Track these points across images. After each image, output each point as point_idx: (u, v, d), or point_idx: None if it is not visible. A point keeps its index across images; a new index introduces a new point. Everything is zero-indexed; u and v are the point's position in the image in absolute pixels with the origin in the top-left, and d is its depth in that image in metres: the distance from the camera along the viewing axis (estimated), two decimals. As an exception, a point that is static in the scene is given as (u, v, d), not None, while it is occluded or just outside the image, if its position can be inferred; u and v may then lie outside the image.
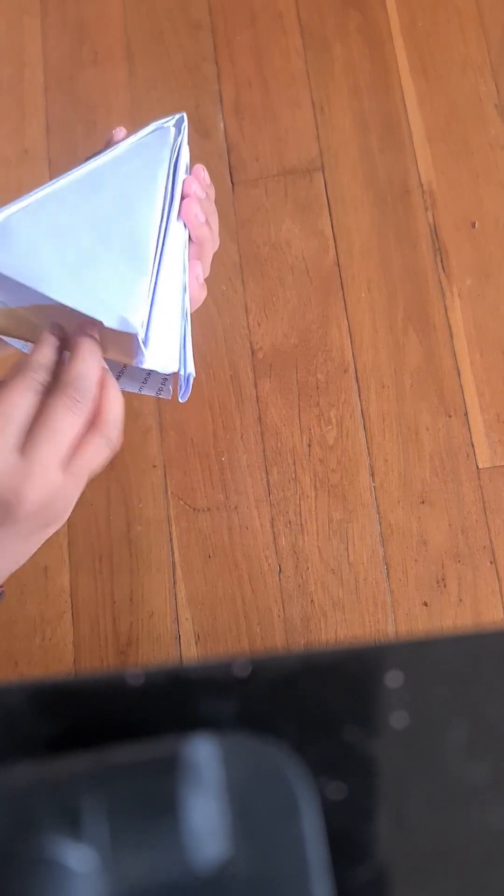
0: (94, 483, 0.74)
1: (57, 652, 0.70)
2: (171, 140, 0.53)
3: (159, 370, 0.47)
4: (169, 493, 0.74)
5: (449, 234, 0.78)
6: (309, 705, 0.25)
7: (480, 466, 0.72)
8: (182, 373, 0.48)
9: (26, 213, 0.50)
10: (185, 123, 0.53)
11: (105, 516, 0.73)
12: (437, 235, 0.78)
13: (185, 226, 0.51)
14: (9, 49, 0.89)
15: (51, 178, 0.93)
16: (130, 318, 0.45)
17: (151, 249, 0.49)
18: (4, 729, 0.25)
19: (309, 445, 0.74)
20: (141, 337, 0.45)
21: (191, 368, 0.49)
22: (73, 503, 0.36)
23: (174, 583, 0.71)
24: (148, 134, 0.53)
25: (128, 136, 0.53)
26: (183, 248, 0.51)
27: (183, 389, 0.49)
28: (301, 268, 0.78)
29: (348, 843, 0.24)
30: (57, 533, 0.73)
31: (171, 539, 0.72)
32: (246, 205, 0.81)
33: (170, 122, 0.53)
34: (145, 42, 0.87)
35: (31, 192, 0.51)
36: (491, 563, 0.69)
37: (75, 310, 0.46)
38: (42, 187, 0.51)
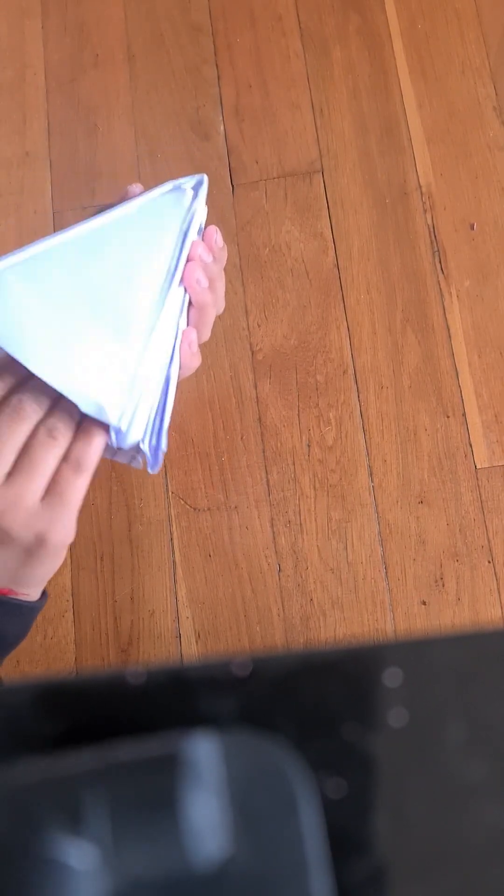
0: (96, 483, 0.74)
1: (58, 650, 0.70)
2: (187, 204, 0.50)
3: (132, 442, 0.46)
4: (170, 492, 0.74)
5: (448, 235, 0.78)
6: (308, 703, 0.26)
7: (478, 466, 0.72)
8: (150, 445, 0.47)
9: (23, 270, 0.48)
10: (205, 186, 0.51)
11: (106, 516, 0.73)
12: (435, 237, 0.78)
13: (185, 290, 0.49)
14: (10, 51, 0.89)
15: (51, 180, 0.94)
16: (107, 408, 0.45)
17: (144, 329, 0.47)
18: (5, 727, 0.25)
19: (308, 446, 0.74)
20: (114, 425, 0.45)
21: (164, 444, 0.47)
22: (63, 530, 0.41)
23: (175, 582, 0.71)
24: (163, 194, 0.50)
25: (144, 192, 0.50)
26: (179, 316, 0.49)
27: (151, 461, 0.47)
28: (301, 270, 0.78)
29: (348, 840, 0.24)
30: (57, 533, 0.73)
31: (171, 538, 0.73)
32: (246, 207, 0.81)
33: (188, 182, 0.51)
34: (146, 44, 0.88)
35: (33, 244, 0.49)
36: (489, 562, 0.69)
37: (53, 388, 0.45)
38: (45, 239, 0.49)
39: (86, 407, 0.44)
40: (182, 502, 0.73)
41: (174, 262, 0.49)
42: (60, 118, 0.86)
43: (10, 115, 0.87)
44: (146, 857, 0.21)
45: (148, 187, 0.48)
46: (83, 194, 0.83)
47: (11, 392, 0.43)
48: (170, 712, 0.25)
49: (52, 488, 0.41)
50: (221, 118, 0.84)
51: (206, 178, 0.51)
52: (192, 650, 0.69)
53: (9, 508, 0.39)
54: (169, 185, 0.51)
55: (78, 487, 0.41)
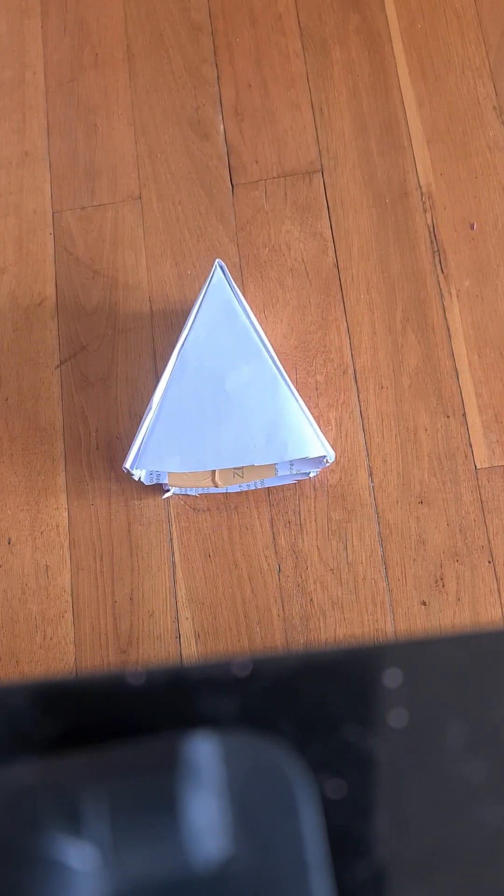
0: (95, 484, 0.74)
1: (58, 651, 0.70)
2: (225, 284, 0.67)
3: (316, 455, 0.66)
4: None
5: (447, 235, 0.78)
6: (308, 704, 0.26)
7: (478, 466, 0.72)
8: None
9: (167, 427, 0.65)
10: (222, 266, 0.67)
11: (106, 516, 0.73)
12: (435, 237, 0.78)
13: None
14: (9, 51, 0.89)
15: (51, 179, 0.93)
16: (315, 453, 0.65)
17: (277, 375, 0.66)
18: (6, 728, 0.25)
19: (308, 446, 0.74)
20: (325, 455, 0.66)
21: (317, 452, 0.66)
22: None
23: (174, 582, 0.71)
24: (204, 298, 0.66)
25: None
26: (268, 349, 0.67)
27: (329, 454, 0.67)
28: (300, 269, 0.78)
29: (348, 841, 0.24)
30: (58, 532, 0.73)
31: (171, 539, 0.73)
32: (246, 207, 0.81)
33: (211, 275, 0.67)
34: (146, 44, 0.87)
35: (143, 419, 0.66)
36: (489, 562, 0.69)
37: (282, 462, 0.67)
38: (153, 402, 0.66)
39: (311, 453, 0.64)
40: (182, 502, 0.73)
41: (247, 319, 0.66)
42: (60, 118, 0.86)
43: (9, 114, 0.87)
44: (146, 858, 0.21)
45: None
46: (82, 194, 0.83)
47: None
48: (169, 713, 0.25)
49: None
50: (221, 118, 0.84)
51: (218, 260, 0.67)
52: (191, 651, 0.69)
53: None
54: (202, 291, 0.66)
55: None
